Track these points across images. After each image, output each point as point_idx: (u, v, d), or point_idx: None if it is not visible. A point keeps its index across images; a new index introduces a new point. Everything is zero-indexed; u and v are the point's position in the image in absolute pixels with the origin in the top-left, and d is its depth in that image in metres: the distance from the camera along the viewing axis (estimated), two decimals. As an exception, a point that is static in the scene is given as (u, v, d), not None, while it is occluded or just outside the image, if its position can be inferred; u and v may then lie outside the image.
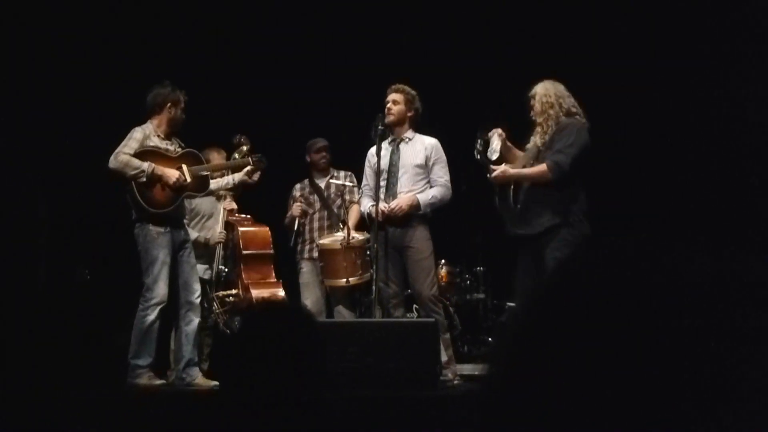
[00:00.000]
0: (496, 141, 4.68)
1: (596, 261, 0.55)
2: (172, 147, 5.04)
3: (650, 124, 6.48)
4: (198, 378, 4.92)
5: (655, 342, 0.49)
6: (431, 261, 5.05)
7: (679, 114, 6.34)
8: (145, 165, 4.81)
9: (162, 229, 4.87)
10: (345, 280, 5.33)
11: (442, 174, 5.11)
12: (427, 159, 5.09)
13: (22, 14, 6.28)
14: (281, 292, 5.61)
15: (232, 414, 1.75)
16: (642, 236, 0.56)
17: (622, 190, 6.32)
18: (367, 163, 5.29)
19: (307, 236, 5.83)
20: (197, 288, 5.06)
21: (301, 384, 1.76)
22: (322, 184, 5.94)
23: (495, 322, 6.58)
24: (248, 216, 5.88)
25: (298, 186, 6.01)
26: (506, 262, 5.78)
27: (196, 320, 5.00)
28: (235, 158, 5.48)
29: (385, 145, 5.13)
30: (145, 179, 4.81)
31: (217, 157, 5.65)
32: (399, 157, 5.11)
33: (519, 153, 4.78)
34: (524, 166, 4.68)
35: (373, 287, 4.91)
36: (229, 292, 5.68)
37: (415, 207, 4.97)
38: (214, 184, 5.36)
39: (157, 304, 4.80)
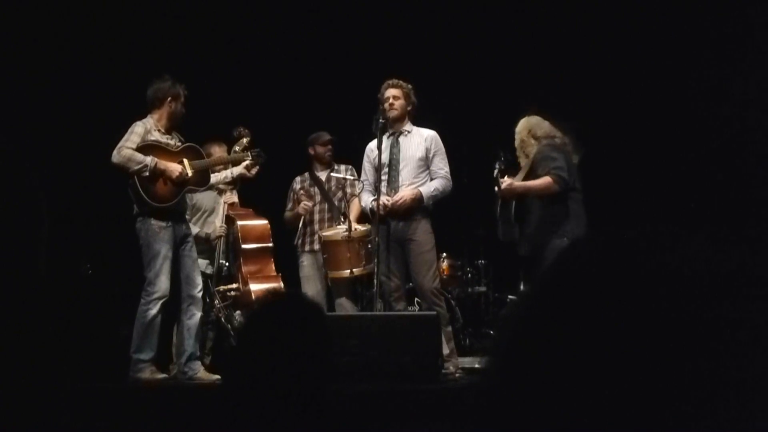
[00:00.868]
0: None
1: (596, 251, 0.55)
2: (173, 141, 5.04)
3: (649, 122, 6.47)
4: (200, 372, 4.93)
5: (655, 332, 0.49)
6: (433, 254, 5.06)
7: (678, 109, 6.32)
8: (148, 159, 4.81)
9: (164, 224, 4.87)
10: (349, 271, 5.32)
11: (442, 166, 5.11)
12: (427, 151, 5.09)
13: (23, 9, 6.27)
14: (281, 286, 5.61)
15: (236, 407, 1.74)
16: (641, 227, 0.55)
17: (621, 189, 6.32)
18: (366, 158, 5.29)
19: (307, 229, 5.81)
20: (199, 282, 5.07)
21: (308, 376, 1.76)
22: (322, 177, 5.93)
23: (496, 315, 6.59)
24: (249, 209, 5.88)
25: (298, 179, 5.99)
26: (508, 256, 5.79)
27: (198, 314, 5.01)
28: (235, 151, 5.47)
29: (384, 138, 5.12)
30: (148, 173, 4.81)
31: (218, 151, 5.65)
32: (399, 150, 5.11)
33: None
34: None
35: (375, 280, 4.92)
36: (230, 286, 5.69)
37: (418, 200, 4.97)
38: (213, 177, 5.36)
39: (159, 298, 4.80)
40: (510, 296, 6.58)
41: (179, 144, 5.06)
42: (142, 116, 4.97)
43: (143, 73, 5.21)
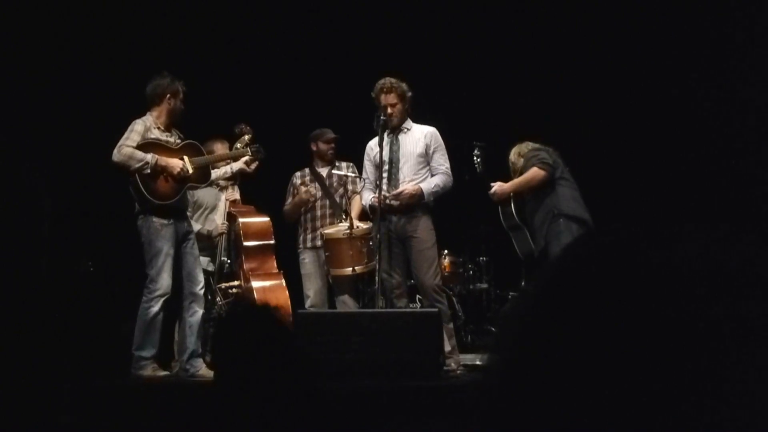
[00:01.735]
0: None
1: (598, 248, 0.55)
2: (173, 139, 5.04)
3: (649, 122, 6.46)
4: (202, 369, 4.93)
5: (656, 331, 0.49)
6: (434, 251, 5.06)
7: (678, 109, 6.32)
8: (149, 156, 4.80)
9: (165, 221, 4.87)
10: (351, 269, 5.32)
11: (442, 162, 5.11)
12: (427, 147, 5.09)
13: (23, 8, 6.26)
14: (282, 283, 5.61)
15: (227, 406, 1.77)
16: (643, 224, 0.55)
17: (620, 188, 6.32)
18: (366, 157, 5.29)
19: (308, 225, 5.81)
20: (201, 279, 5.07)
21: (281, 377, 1.80)
22: (323, 173, 5.92)
23: (498, 312, 6.59)
24: (251, 207, 5.87)
25: (298, 174, 5.96)
26: (509, 252, 5.79)
27: (200, 311, 5.01)
28: (236, 147, 5.48)
29: (384, 136, 5.12)
30: (149, 171, 4.80)
31: (220, 148, 5.65)
32: (399, 148, 5.11)
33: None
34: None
35: (377, 278, 4.92)
36: (231, 283, 5.68)
37: (418, 196, 4.97)
38: (213, 173, 5.37)
39: (161, 295, 4.81)
40: (511, 293, 6.58)
41: (179, 141, 5.06)
42: (141, 114, 4.97)
43: (143, 71, 5.21)
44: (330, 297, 5.76)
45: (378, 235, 4.92)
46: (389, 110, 5.05)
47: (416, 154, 5.08)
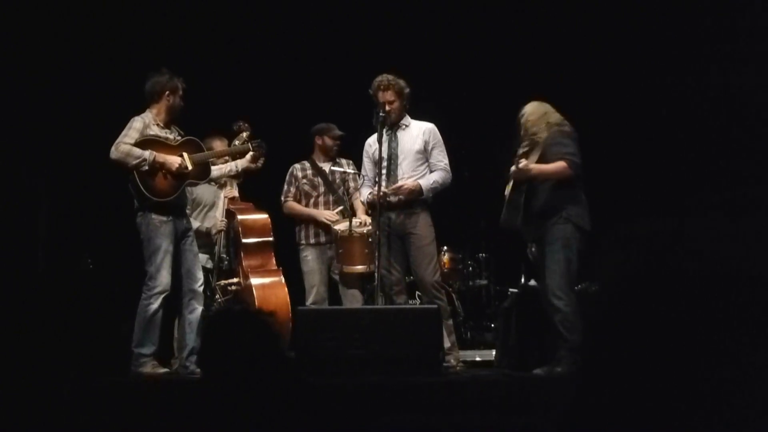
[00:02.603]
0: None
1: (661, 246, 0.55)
2: (172, 135, 5.03)
3: (649, 121, 6.46)
4: (201, 366, 4.93)
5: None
6: (433, 247, 5.06)
7: (678, 109, 6.32)
8: (147, 153, 4.80)
9: (165, 218, 4.87)
10: (365, 266, 5.29)
11: (441, 158, 5.10)
12: (426, 144, 5.09)
13: (22, 7, 6.25)
14: (281, 280, 5.60)
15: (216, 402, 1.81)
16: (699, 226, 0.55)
17: (620, 188, 6.32)
18: (364, 153, 5.28)
19: (311, 221, 5.78)
20: (200, 276, 5.07)
21: (266, 377, 1.85)
22: (324, 168, 5.89)
23: (497, 308, 6.59)
24: (249, 204, 5.87)
25: (297, 167, 5.91)
26: (508, 249, 5.79)
27: (200, 309, 5.00)
28: (235, 145, 5.47)
29: (382, 133, 5.11)
30: (147, 167, 4.80)
31: (219, 145, 5.64)
32: (398, 144, 5.11)
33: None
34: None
35: (376, 274, 4.91)
36: (231, 280, 5.68)
37: (417, 192, 4.96)
38: (216, 171, 5.36)
39: (160, 292, 4.80)
40: (511, 289, 6.57)
41: (178, 138, 5.05)
42: (141, 111, 4.96)
43: (143, 69, 5.20)
44: (331, 294, 5.75)
45: (377, 232, 4.92)
46: (387, 107, 5.04)
47: (415, 151, 5.07)
